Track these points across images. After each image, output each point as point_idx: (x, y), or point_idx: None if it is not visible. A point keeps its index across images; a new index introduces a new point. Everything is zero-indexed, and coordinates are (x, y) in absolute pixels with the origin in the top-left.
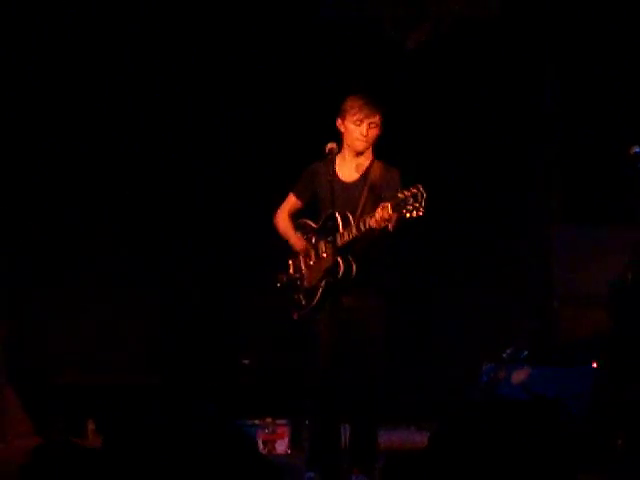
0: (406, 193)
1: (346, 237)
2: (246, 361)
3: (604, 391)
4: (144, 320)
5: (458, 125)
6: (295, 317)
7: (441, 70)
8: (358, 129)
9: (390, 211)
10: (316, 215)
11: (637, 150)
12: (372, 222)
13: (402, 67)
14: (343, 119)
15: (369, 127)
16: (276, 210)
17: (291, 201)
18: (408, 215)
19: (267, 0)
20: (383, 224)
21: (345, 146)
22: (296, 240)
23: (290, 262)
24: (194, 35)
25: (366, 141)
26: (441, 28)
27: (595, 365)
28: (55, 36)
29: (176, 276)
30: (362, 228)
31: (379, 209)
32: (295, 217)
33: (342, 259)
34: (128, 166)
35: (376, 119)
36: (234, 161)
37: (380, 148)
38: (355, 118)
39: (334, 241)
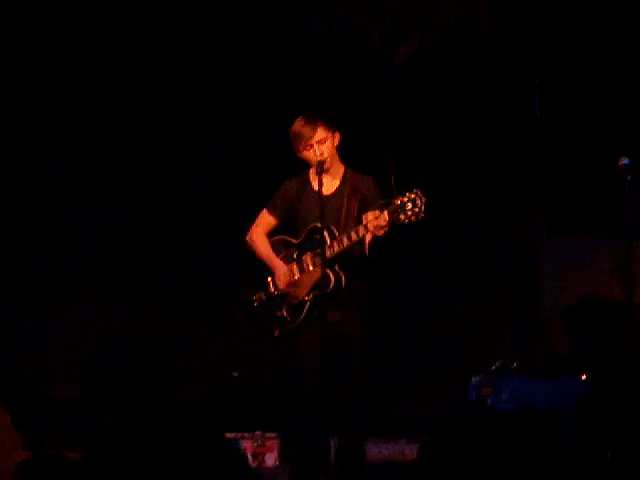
0: (403, 199)
1: (336, 249)
2: (235, 374)
3: (593, 403)
4: (131, 333)
5: (446, 138)
6: (276, 334)
7: (429, 83)
8: (310, 153)
9: (386, 217)
10: (289, 229)
11: (626, 162)
12: (364, 231)
13: (390, 80)
14: (296, 150)
15: (318, 146)
16: (248, 229)
17: (266, 219)
18: (407, 221)
19: (254, 12)
20: (378, 232)
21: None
22: (278, 265)
23: (269, 280)
24: (179, 49)
25: (324, 158)
26: (429, 41)
27: (584, 377)
28: (54, 36)
29: (163, 288)
30: (354, 238)
31: (372, 217)
32: (270, 235)
33: (332, 271)
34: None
35: (319, 134)
36: (210, 174)
37: (365, 160)
38: (301, 146)
39: (322, 254)
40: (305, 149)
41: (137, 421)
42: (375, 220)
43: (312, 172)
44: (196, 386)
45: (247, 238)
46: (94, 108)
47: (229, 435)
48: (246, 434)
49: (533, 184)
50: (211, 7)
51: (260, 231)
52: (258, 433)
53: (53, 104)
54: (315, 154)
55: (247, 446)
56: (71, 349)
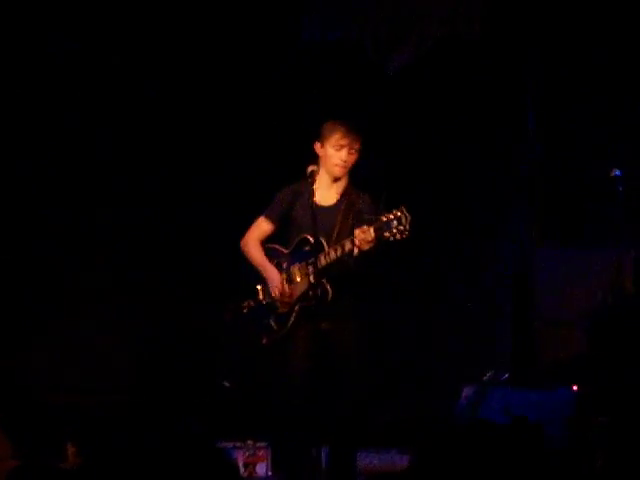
0: (389, 216)
1: (323, 262)
2: (227, 383)
3: (584, 413)
4: (127, 340)
5: (439, 146)
6: (264, 342)
7: (422, 91)
8: (338, 154)
9: (372, 234)
10: (282, 238)
11: (617, 173)
12: (351, 245)
13: (384, 88)
14: (322, 144)
15: (349, 153)
16: (243, 235)
17: (262, 226)
18: (392, 239)
19: (249, 22)
20: (364, 247)
21: (322, 170)
22: (272, 273)
23: (259, 288)
24: (173, 57)
25: (345, 167)
26: (423, 49)
27: (576, 388)
28: (52, 35)
29: (158, 297)
30: (340, 252)
31: (359, 232)
32: (265, 242)
33: (318, 284)
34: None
35: (357, 146)
36: (209, 180)
37: (359, 170)
38: (336, 144)
39: (310, 266)
40: (334, 148)
41: (128, 431)
42: (362, 234)
43: (310, 181)
44: (186, 395)
45: (241, 243)
46: (106, 113)
47: (220, 445)
48: (237, 444)
49: (526, 194)
50: (207, 15)
51: (255, 237)
52: (249, 442)
53: (55, 107)
54: (340, 157)
55: (238, 456)
56: (65, 355)
